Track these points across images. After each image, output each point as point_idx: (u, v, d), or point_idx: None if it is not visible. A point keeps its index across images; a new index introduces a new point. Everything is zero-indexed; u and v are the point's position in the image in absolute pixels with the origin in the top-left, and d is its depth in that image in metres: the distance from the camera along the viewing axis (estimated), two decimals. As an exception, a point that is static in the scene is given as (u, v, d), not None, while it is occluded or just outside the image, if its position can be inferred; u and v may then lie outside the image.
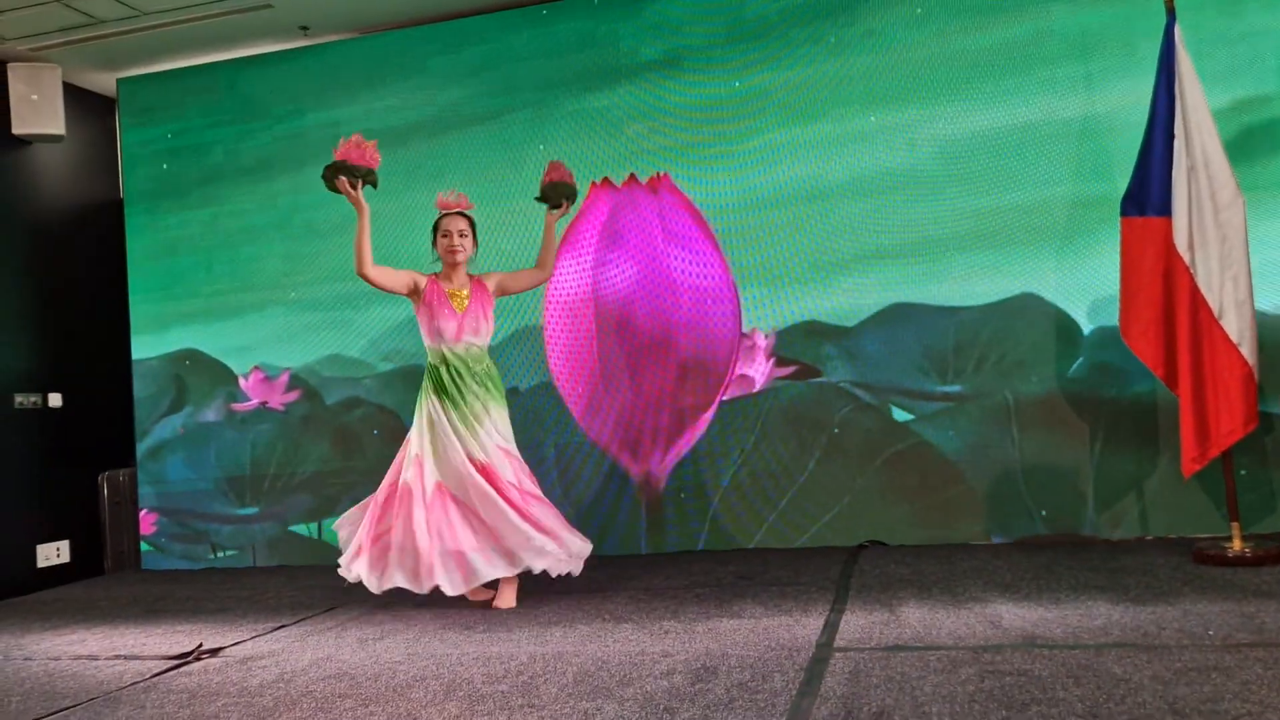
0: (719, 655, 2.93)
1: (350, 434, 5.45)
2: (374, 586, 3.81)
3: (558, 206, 4.19)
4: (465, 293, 4.02)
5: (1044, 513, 4.52)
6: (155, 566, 5.71)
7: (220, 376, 5.67)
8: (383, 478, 4.02)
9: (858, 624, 3.19)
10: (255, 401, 5.60)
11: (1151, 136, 3.92)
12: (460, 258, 4.03)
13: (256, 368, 5.61)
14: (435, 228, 4.08)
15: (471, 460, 3.83)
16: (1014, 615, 3.16)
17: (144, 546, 5.76)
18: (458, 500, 3.82)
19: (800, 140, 4.87)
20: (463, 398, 3.90)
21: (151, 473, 5.75)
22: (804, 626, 3.22)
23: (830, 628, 3.17)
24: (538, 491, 4.00)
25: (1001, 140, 4.61)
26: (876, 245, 4.75)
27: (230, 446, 5.64)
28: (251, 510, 5.59)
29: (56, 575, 5.51)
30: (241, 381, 5.62)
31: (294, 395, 5.54)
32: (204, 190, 5.74)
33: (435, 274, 4.06)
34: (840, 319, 4.79)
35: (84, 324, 5.88)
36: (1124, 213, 4.00)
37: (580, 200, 4.42)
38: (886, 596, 3.57)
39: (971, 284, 4.63)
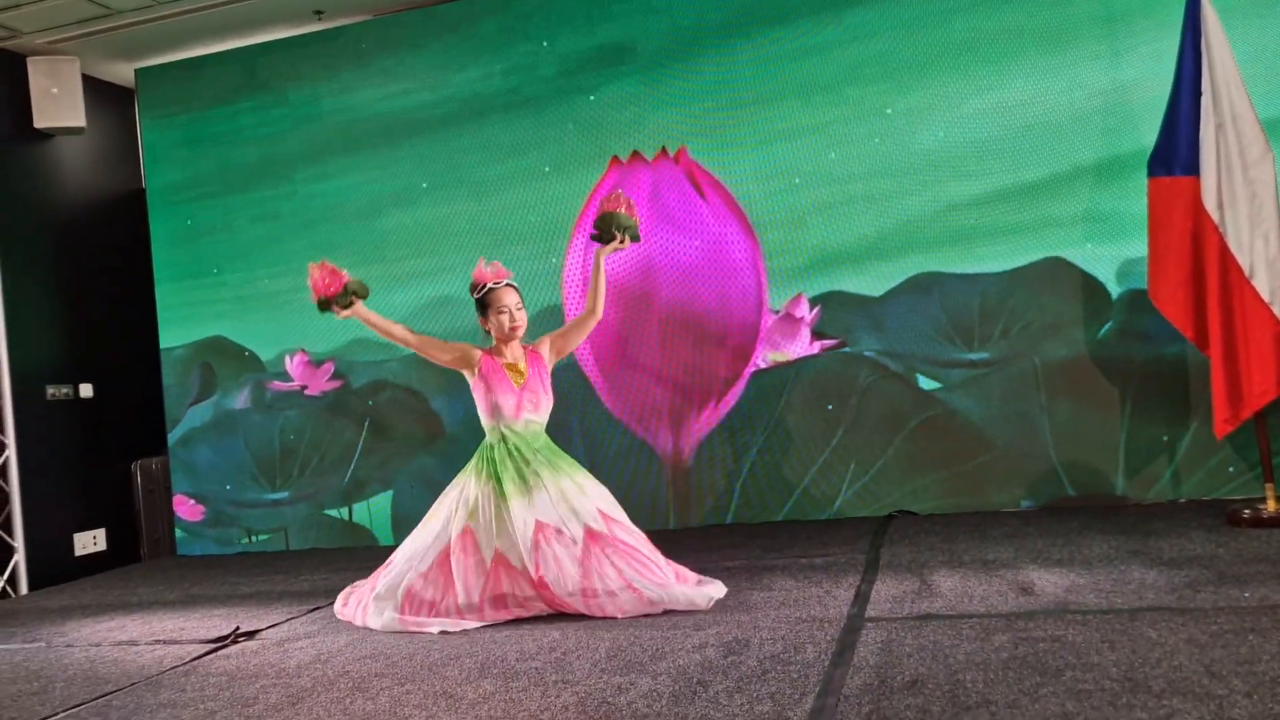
0: (750, 628, 2.94)
1: (378, 417, 5.48)
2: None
3: (609, 240, 3.74)
4: (523, 365, 3.67)
5: (1075, 478, 4.49)
6: (190, 552, 5.78)
7: (248, 363, 5.71)
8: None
9: (889, 594, 3.18)
10: (297, 384, 5.64)
11: (1178, 94, 3.85)
12: (521, 333, 3.69)
13: (301, 350, 5.63)
14: (484, 303, 3.67)
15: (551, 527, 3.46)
16: (1046, 581, 3.14)
17: (178, 533, 5.83)
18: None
19: (824, 117, 4.81)
20: (522, 478, 3.51)
21: (183, 460, 5.81)
22: (835, 597, 3.22)
23: (861, 598, 3.17)
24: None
25: (1027, 108, 4.54)
26: (903, 217, 4.70)
27: (260, 432, 5.68)
28: (283, 494, 5.64)
29: (94, 563, 5.59)
30: (287, 361, 5.64)
31: (337, 384, 5.56)
32: (224, 177, 5.76)
33: (487, 348, 3.70)
34: (866, 290, 4.75)
35: (112, 315, 5.93)
36: (1151, 173, 3.94)
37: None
38: (917, 565, 3.57)
39: (998, 250, 4.58)
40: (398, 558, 3.62)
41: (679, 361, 4.99)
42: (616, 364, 5.07)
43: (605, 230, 3.74)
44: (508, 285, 3.68)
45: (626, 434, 5.06)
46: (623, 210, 3.73)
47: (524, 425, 3.63)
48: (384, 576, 3.59)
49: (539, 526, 3.42)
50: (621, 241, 3.75)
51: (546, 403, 3.71)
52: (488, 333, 3.72)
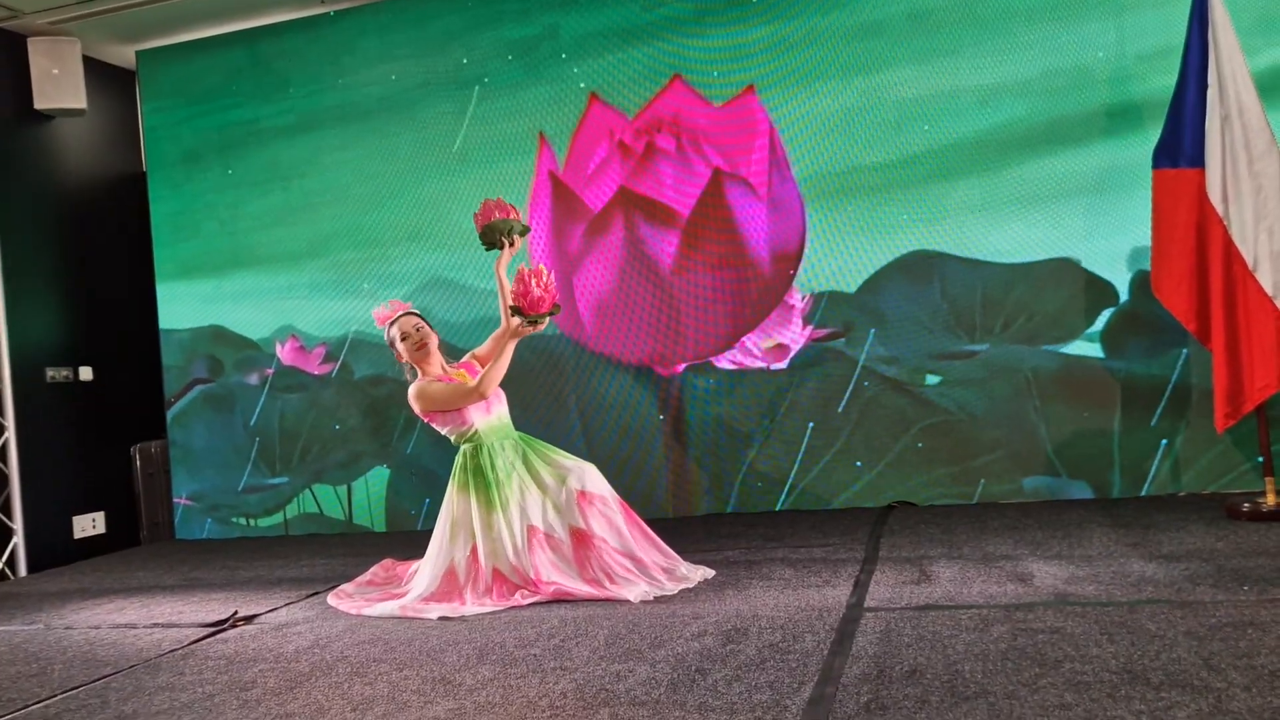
0: (750, 616, 2.94)
1: (378, 403, 5.47)
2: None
3: (499, 247, 3.72)
4: (459, 371, 3.77)
5: (1074, 470, 4.49)
6: (189, 536, 5.78)
7: (246, 347, 5.70)
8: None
9: (888, 584, 3.19)
10: (290, 367, 5.62)
11: (1184, 86, 3.84)
12: (432, 344, 3.74)
13: (293, 336, 5.62)
14: (391, 342, 3.78)
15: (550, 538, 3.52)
16: (1045, 573, 3.14)
17: (177, 517, 5.84)
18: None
19: (827, 101, 4.79)
20: (509, 482, 3.56)
21: (182, 444, 5.81)
22: (834, 587, 3.22)
23: (861, 588, 3.17)
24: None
25: (1033, 96, 4.53)
26: (906, 205, 4.68)
27: (260, 416, 5.67)
28: (282, 479, 5.64)
29: (94, 546, 5.59)
30: (278, 347, 5.64)
31: (329, 367, 5.56)
32: (225, 161, 5.73)
33: (424, 378, 3.73)
34: (868, 281, 4.73)
35: (112, 297, 5.92)
36: (1156, 165, 3.93)
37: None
38: (916, 556, 3.57)
39: (1000, 242, 4.57)
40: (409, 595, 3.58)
41: (688, 341, 4.98)
42: (616, 338, 5.03)
43: (491, 243, 3.73)
44: (405, 315, 3.78)
45: (626, 417, 5.05)
46: (495, 216, 3.69)
47: (497, 417, 3.70)
48: (393, 602, 3.53)
49: (531, 530, 3.49)
50: (511, 245, 3.72)
51: (502, 391, 3.75)
52: (410, 365, 3.77)
